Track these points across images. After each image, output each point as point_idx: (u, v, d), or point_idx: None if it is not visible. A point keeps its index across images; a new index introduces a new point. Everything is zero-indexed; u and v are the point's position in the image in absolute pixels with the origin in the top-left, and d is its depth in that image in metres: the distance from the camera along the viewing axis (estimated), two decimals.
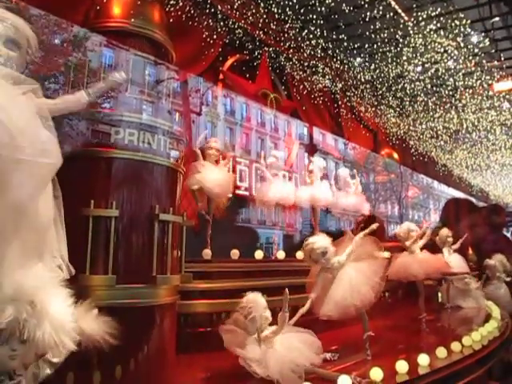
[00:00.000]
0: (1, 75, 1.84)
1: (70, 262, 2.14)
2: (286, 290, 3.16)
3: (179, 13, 6.41)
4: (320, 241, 3.61)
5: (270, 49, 8.30)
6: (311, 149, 9.74)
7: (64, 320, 1.85)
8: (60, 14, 5.24)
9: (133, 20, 4.34)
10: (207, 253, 4.80)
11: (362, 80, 10.15)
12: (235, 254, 5.06)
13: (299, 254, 5.14)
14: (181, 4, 6.36)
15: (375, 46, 9.02)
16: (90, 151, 3.03)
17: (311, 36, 8.58)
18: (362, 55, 9.63)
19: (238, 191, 6.66)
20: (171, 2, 6.23)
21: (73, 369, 2.82)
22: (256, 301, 3.18)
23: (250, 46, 7.98)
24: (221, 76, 7.46)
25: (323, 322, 3.62)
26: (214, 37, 7.03)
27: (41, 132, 1.86)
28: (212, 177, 4.87)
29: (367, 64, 9.71)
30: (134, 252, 3.07)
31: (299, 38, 8.60)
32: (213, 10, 7.06)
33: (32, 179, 1.78)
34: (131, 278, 3.03)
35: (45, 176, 1.89)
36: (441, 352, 3.91)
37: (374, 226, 3.84)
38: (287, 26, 8.24)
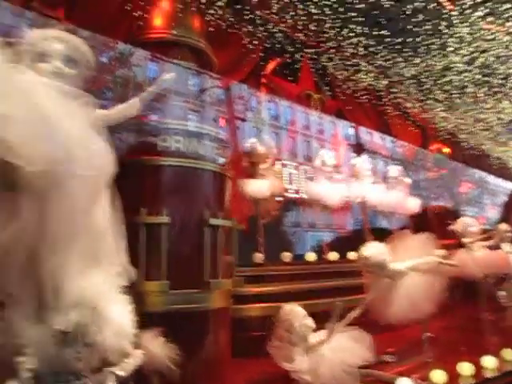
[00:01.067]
0: (56, 90, 1.92)
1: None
2: (339, 303, 3.07)
3: (218, 21, 6.48)
4: (376, 254, 3.37)
5: (311, 50, 8.25)
6: (358, 148, 9.59)
7: (124, 325, 1.90)
8: (105, 32, 5.43)
9: (174, 30, 4.43)
10: (259, 256, 4.80)
11: (407, 75, 9.88)
12: (287, 256, 5.04)
13: (352, 255, 5.06)
14: (220, 12, 6.43)
15: (419, 39, 8.77)
16: (138, 160, 3.09)
17: (352, 34, 8.45)
18: (405, 50, 9.38)
19: (286, 194, 6.66)
20: (210, 12, 6.32)
21: (132, 374, 2.91)
22: (293, 311, 3.12)
23: (291, 49, 7.95)
24: (263, 80, 7.48)
25: (378, 323, 3.53)
26: (254, 42, 7.06)
27: (94, 143, 1.93)
28: (260, 180, 4.91)
29: (411, 58, 9.45)
30: (186, 257, 3.12)
31: (340, 37, 8.49)
32: (251, 15, 7.10)
33: (87, 189, 1.84)
34: (184, 283, 3.08)
35: (99, 185, 1.96)
36: (508, 354, 3.72)
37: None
38: (327, 26, 8.16)
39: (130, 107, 2.32)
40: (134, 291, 2.08)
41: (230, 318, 3.60)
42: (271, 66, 7.67)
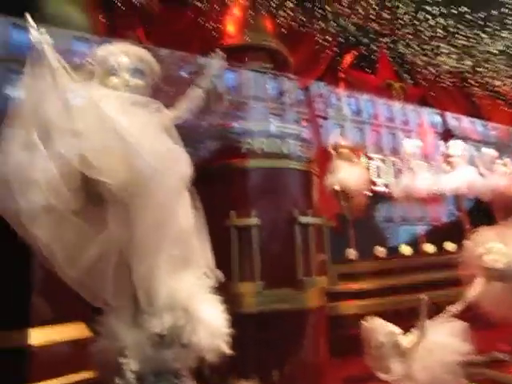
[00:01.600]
0: (127, 101, 2.00)
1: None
2: (424, 297, 2.83)
3: (290, 22, 6.50)
4: (503, 256, 3.05)
5: (387, 38, 7.99)
6: (446, 135, 9.10)
7: (217, 325, 1.93)
8: (181, 47, 5.63)
9: (248, 34, 4.49)
10: (351, 252, 4.73)
11: (494, 51, 9.21)
12: (380, 251, 4.91)
13: (449, 245, 4.82)
14: (290, 13, 6.44)
15: (505, 10, 8.14)
16: (224, 165, 3.17)
17: (429, 16, 8.05)
18: (489, 25, 8.74)
19: (375, 188, 6.48)
20: (281, 13, 6.34)
21: (234, 373, 2.98)
22: (371, 327, 2.99)
23: (366, 40, 7.76)
24: (341, 75, 7.36)
25: (486, 318, 3.29)
26: (328, 38, 6.99)
27: (169, 148, 1.97)
28: (347, 175, 4.84)
29: (498, 32, 8.79)
30: (278, 257, 3.13)
31: (416, 22, 8.13)
32: (322, 12, 7.03)
33: (169, 195, 1.91)
34: (278, 282, 3.09)
35: (180, 189, 2.01)
36: None
37: None
38: (401, 12, 7.86)
39: (193, 98, 2.28)
40: (227, 293, 2.11)
41: (327, 316, 3.57)
42: (348, 59, 7.52)
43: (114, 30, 4.63)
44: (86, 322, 2.55)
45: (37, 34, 1.90)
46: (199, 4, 5.36)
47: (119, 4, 4.62)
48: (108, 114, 1.86)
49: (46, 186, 1.71)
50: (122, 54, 2.12)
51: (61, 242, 1.77)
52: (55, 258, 1.78)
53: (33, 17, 2.04)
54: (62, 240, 1.77)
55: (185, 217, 2.02)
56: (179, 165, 1.96)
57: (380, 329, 2.93)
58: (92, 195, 1.83)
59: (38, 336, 2.51)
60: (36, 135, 1.79)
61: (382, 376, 2.87)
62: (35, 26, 1.92)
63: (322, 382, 3.29)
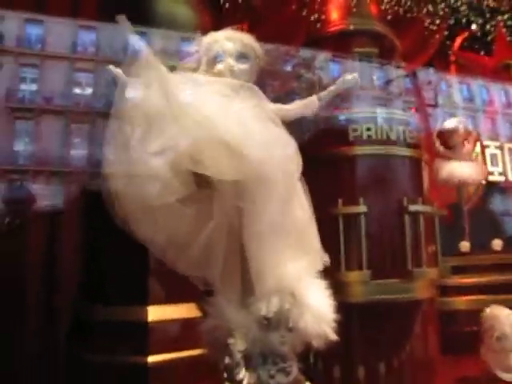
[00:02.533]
0: (233, 88, 2.01)
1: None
2: None
3: (396, 7, 6.26)
4: None
5: (505, 16, 7.36)
6: None
7: (324, 310, 1.90)
8: (287, 40, 5.67)
9: (352, 20, 4.41)
10: (465, 245, 4.45)
11: None
12: (497, 244, 4.57)
13: None
14: None
15: None
16: (331, 153, 3.14)
17: None
18: None
19: (490, 177, 6.04)
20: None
21: (339, 362, 2.96)
22: (496, 315, 2.74)
23: (480, 20, 7.23)
24: (452, 58, 6.94)
25: None
26: (437, 21, 6.62)
27: (279, 136, 1.97)
28: (460, 163, 4.58)
29: None
30: (387, 246, 3.04)
31: None
32: None
33: (284, 184, 1.93)
34: (386, 272, 3.01)
35: (294, 178, 2.02)
36: None
37: None
38: None
39: (308, 105, 2.24)
40: (334, 281, 2.09)
41: (438, 311, 3.42)
42: (458, 41, 7.08)
43: (219, 27, 4.80)
44: (196, 303, 2.69)
45: (135, 37, 1.97)
46: None
47: (223, 0, 4.79)
48: (214, 105, 1.89)
49: (159, 182, 1.77)
50: (226, 40, 2.15)
51: (171, 234, 1.85)
52: (166, 250, 1.88)
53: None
54: (171, 231, 1.84)
55: (299, 205, 2.03)
56: (290, 153, 1.96)
57: (504, 318, 2.73)
58: (200, 184, 1.87)
59: (155, 313, 2.71)
60: (142, 132, 1.85)
61: (504, 376, 2.68)
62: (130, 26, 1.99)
63: (433, 379, 3.15)
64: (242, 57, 2.15)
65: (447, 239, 3.78)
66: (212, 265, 1.87)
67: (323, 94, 2.26)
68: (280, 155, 1.89)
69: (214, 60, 2.13)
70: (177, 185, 1.78)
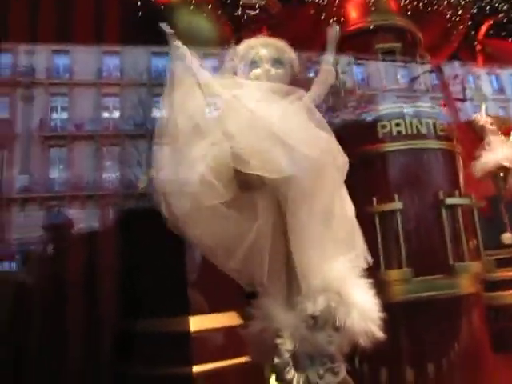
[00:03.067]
0: (271, 91, 2.03)
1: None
2: None
3: (415, 2, 6.18)
4: None
5: None
6: None
7: (370, 308, 1.87)
8: (305, 47, 5.66)
9: (372, 16, 4.38)
10: (508, 237, 4.32)
11: None
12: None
13: None
14: None
15: None
16: (362, 151, 3.11)
17: None
18: None
19: None
20: None
21: (386, 364, 2.89)
22: None
23: (505, 6, 7.04)
24: (478, 47, 6.77)
25: None
26: (459, 12, 6.50)
27: (321, 136, 1.99)
28: (500, 153, 4.46)
29: None
30: (426, 242, 2.98)
31: None
32: None
33: (332, 181, 1.93)
34: (427, 269, 2.94)
35: (341, 175, 2.03)
36: None
37: None
38: None
39: (325, 72, 2.24)
40: (374, 281, 2.05)
41: (484, 306, 3.31)
42: (483, 29, 6.92)
43: (239, 37, 4.86)
44: (237, 311, 2.70)
45: (176, 41, 2.10)
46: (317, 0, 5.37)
47: (241, 9, 4.84)
48: (256, 108, 1.92)
49: (201, 186, 1.81)
50: (262, 46, 2.21)
51: (218, 237, 1.87)
52: (214, 252, 1.91)
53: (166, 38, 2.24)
54: (219, 234, 1.87)
55: (347, 203, 2.03)
56: (334, 153, 1.98)
57: None
58: (242, 185, 1.90)
59: (197, 323, 2.72)
60: (184, 141, 1.92)
61: None
62: (171, 31, 2.12)
63: (486, 378, 3.03)
64: (277, 62, 2.19)
65: (488, 232, 3.67)
66: (258, 266, 1.87)
67: (327, 57, 2.26)
68: (328, 149, 1.93)
69: (251, 66, 2.19)
70: (220, 188, 1.82)
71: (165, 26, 2.13)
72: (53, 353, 3.40)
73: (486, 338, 3.18)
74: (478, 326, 3.13)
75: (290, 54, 2.25)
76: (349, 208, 2.05)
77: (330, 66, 2.27)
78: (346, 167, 2.04)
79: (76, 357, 3.41)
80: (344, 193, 2.05)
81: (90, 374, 3.37)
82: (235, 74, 2.21)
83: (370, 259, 2.06)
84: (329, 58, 2.28)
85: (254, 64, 2.17)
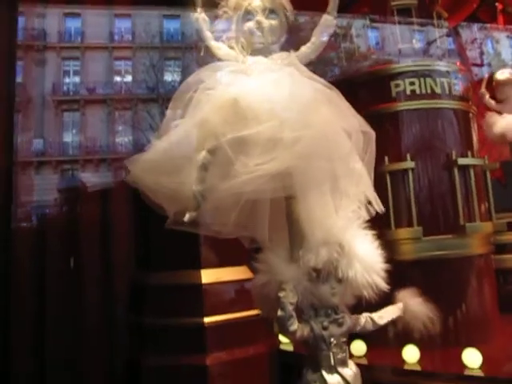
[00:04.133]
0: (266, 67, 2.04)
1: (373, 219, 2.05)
2: None
3: None
4: None
5: None
6: None
7: (373, 260, 1.87)
8: (318, 7, 5.52)
9: None
10: None
11: None
12: None
13: None
14: None
15: None
16: (375, 110, 3.06)
17: None
18: None
19: None
20: None
21: (392, 323, 2.92)
22: None
23: None
24: (499, 7, 6.51)
25: None
26: None
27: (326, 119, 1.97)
28: None
29: None
30: (437, 201, 2.98)
31: None
32: None
33: (337, 146, 1.89)
34: (438, 228, 2.95)
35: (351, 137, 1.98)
36: None
37: None
38: None
39: (324, 23, 2.15)
40: (384, 240, 2.06)
41: (494, 269, 3.32)
42: None
43: None
44: (248, 264, 2.75)
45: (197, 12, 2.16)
46: None
47: None
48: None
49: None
50: None
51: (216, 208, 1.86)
52: (213, 213, 1.89)
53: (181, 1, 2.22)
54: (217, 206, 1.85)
55: (355, 157, 1.97)
56: (341, 114, 1.92)
57: None
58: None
59: (208, 276, 2.78)
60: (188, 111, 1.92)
61: None
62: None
63: (490, 337, 3.07)
64: (270, 13, 2.14)
65: (501, 195, 3.64)
66: (258, 223, 1.88)
67: (329, 7, 2.16)
68: (326, 113, 1.86)
69: (244, 18, 2.13)
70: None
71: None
72: (70, 303, 3.51)
73: (493, 299, 3.20)
74: (487, 286, 3.14)
75: (285, 3, 2.17)
76: (357, 162, 2.00)
77: (330, 17, 2.18)
78: (357, 125, 1.95)
79: (92, 311, 3.53)
80: (352, 151, 1.95)
81: (105, 325, 3.48)
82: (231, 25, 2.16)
83: (378, 209, 2.01)
84: (331, 9, 2.18)
85: (246, 16, 2.13)
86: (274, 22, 2.13)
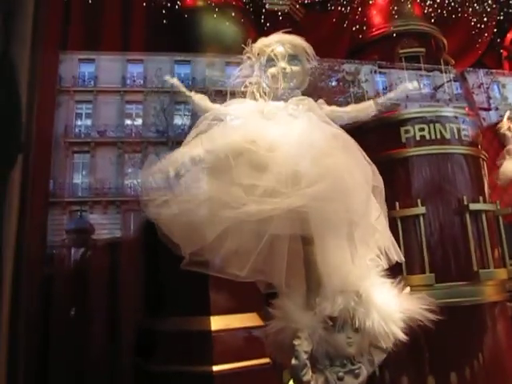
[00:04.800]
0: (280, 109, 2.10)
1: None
2: None
3: (439, 10, 6.14)
4: None
5: None
6: None
7: (391, 309, 1.86)
8: (328, 54, 5.67)
9: (395, 21, 4.36)
10: None
11: None
12: None
13: None
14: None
15: None
16: (385, 156, 3.08)
17: None
18: None
19: None
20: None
21: (407, 372, 2.85)
22: None
23: None
24: (504, 54, 6.65)
25: None
26: (485, 19, 6.41)
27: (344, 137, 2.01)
28: None
29: None
30: (449, 247, 2.94)
31: None
32: None
33: (356, 192, 1.89)
34: (450, 275, 2.90)
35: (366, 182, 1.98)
36: None
37: None
38: None
39: (366, 109, 2.28)
40: (400, 286, 2.03)
41: (509, 315, 3.23)
42: (509, 36, 6.79)
43: None
44: (258, 312, 2.70)
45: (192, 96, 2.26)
46: (340, 8, 5.38)
47: (264, 18, 4.87)
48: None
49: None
50: (277, 43, 2.20)
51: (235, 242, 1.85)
52: (230, 257, 1.89)
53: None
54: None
55: (372, 204, 2.01)
56: (357, 161, 1.97)
57: None
58: None
59: (218, 322, 2.74)
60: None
61: None
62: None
63: None
64: (293, 59, 2.20)
65: None
66: (276, 269, 1.87)
67: (381, 99, 2.28)
68: (346, 161, 1.89)
69: (267, 64, 2.19)
70: None
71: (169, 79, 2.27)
72: (77, 352, 3.45)
73: (511, 349, 3.10)
74: (503, 335, 3.05)
75: (307, 49, 2.24)
76: (373, 211, 2.01)
77: (376, 106, 2.28)
78: (371, 174, 2.01)
79: (99, 354, 3.46)
80: (369, 198, 1.99)
81: (112, 371, 3.41)
82: (252, 72, 2.23)
83: (397, 258, 2.04)
84: (383, 100, 2.29)
85: (270, 62, 2.17)
86: (296, 69, 2.20)
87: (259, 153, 1.85)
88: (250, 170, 1.84)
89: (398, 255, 2.03)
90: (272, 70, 2.17)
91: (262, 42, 2.25)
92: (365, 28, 4.89)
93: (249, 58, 2.24)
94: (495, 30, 6.50)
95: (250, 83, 2.23)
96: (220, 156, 1.86)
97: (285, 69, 2.16)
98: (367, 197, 1.94)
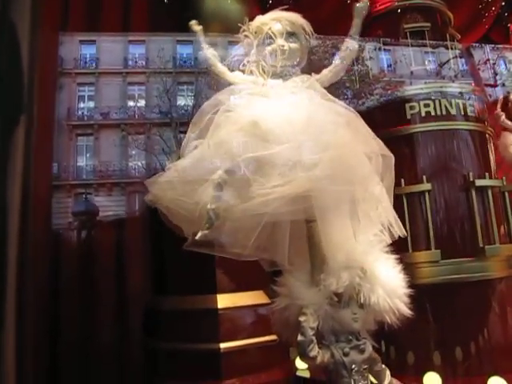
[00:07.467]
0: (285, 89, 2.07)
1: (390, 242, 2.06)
2: None
3: None
4: None
5: None
6: None
7: (396, 285, 1.86)
8: (331, 31, 5.59)
9: None
10: None
11: None
12: None
13: None
14: None
15: None
16: (390, 133, 3.05)
17: None
18: None
19: None
20: None
21: (413, 347, 2.87)
22: None
23: None
24: (511, 27, 6.54)
25: None
26: None
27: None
28: None
29: None
30: (455, 224, 2.94)
31: None
32: None
33: (358, 169, 1.87)
34: (456, 251, 2.90)
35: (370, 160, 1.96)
36: None
37: None
38: None
39: (351, 49, 2.23)
40: (403, 263, 2.02)
41: None
42: None
43: None
44: (265, 289, 2.72)
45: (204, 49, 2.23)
46: None
47: None
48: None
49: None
50: (274, 20, 2.17)
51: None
52: (234, 235, 1.88)
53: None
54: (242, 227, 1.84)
55: (376, 182, 1.98)
56: (362, 138, 1.94)
57: None
58: None
59: (224, 301, 2.76)
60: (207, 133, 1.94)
61: None
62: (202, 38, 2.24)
63: None
64: (291, 36, 2.17)
65: None
66: (279, 246, 1.87)
67: (352, 31, 2.23)
68: (349, 137, 1.87)
69: (264, 42, 2.16)
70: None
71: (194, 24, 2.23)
72: (86, 332, 3.50)
73: None
74: (510, 311, 3.06)
75: (305, 26, 2.21)
76: (376, 184, 1.99)
77: (354, 42, 2.24)
78: (377, 148, 1.98)
79: (108, 334, 3.51)
80: (371, 174, 1.96)
81: (120, 350, 3.46)
82: (251, 50, 2.19)
83: (399, 232, 2.01)
84: (354, 33, 2.24)
85: (267, 40, 2.15)
86: (294, 46, 2.17)
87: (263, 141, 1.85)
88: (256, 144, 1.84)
89: (400, 230, 2.01)
90: (270, 48, 2.15)
91: (259, 20, 2.21)
92: (370, 3, 4.79)
93: (246, 36, 2.21)
94: (503, 3, 6.37)
95: (248, 62, 2.20)
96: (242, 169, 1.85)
97: (283, 46, 2.13)
98: (369, 171, 1.93)
